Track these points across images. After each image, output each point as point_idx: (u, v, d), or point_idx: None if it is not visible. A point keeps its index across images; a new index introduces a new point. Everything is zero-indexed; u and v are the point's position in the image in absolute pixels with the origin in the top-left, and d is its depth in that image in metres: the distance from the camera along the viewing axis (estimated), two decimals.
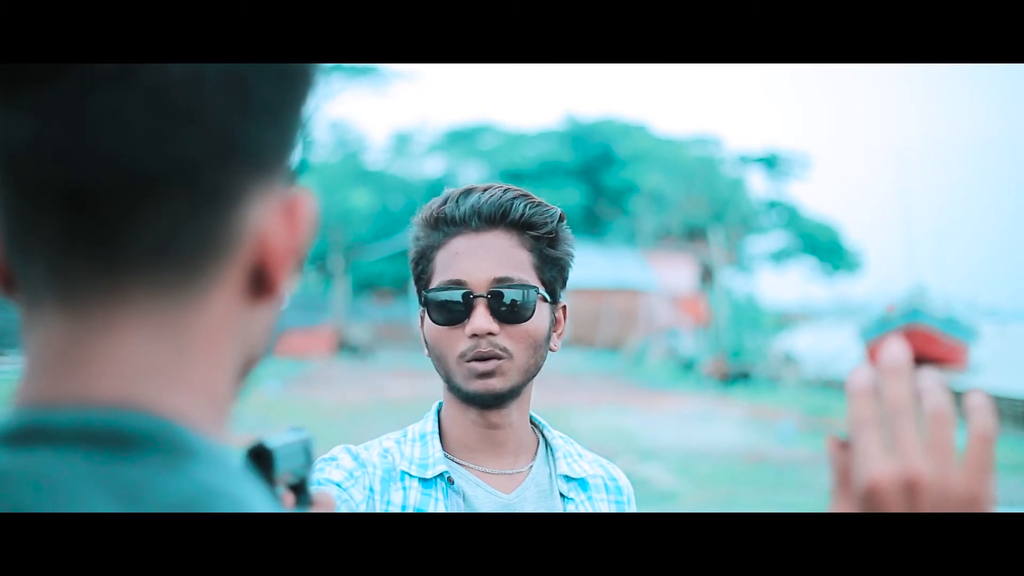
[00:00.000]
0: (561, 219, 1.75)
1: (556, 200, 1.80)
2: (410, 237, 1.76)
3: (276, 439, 0.78)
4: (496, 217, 1.69)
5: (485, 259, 1.68)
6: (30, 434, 0.59)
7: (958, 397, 1.01)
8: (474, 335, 1.65)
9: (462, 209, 1.70)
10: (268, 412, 15.11)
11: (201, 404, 0.63)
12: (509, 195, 1.71)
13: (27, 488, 0.57)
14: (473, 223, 1.69)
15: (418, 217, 1.75)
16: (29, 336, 0.62)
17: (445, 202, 1.72)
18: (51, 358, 0.61)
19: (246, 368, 0.68)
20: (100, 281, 0.61)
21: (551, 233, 1.72)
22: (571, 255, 1.77)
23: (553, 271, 1.73)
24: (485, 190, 1.72)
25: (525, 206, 1.70)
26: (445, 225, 1.71)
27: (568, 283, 1.77)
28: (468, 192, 1.73)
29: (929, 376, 0.73)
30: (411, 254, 1.75)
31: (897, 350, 0.74)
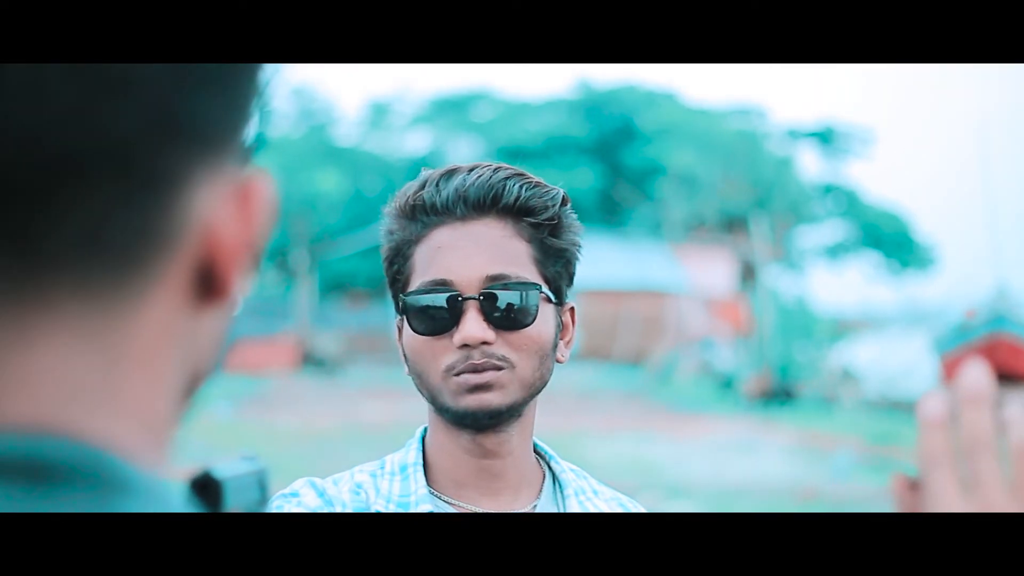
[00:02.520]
0: (564, 202, 1.73)
1: (566, 183, 1.79)
2: (382, 231, 1.75)
3: (225, 469, 0.78)
4: (486, 202, 1.68)
5: (475, 253, 1.66)
6: None
7: None
8: (464, 345, 1.63)
9: (444, 194, 1.68)
10: (217, 438, 15.13)
11: (136, 429, 0.63)
12: (500, 175, 1.70)
13: None
14: (458, 210, 1.68)
15: (391, 206, 1.74)
16: None
17: (423, 186, 1.71)
18: None
19: (191, 386, 0.68)
20: (14, 284, 0.61)
21: (553, 219, 1.70)
22: (578, 245, 1.76)
23: (557, 265, 1.72)
24: (471, 170, 1.71)
25: (521, 187, 1.69)
26: (424, 214, 1.69)
27: (581, 283, 1.77)
28: (450, 174, 1.71)
29: (1016, 404, 0.74)
30: (384, 251, 1.74)
31: (977, 374, 0.74)
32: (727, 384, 27.20)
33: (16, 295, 0.61)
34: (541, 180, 1.73)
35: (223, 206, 0.65)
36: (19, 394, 0.61)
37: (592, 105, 49.90)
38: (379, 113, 48.86)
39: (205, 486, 0.76)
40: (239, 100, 0.65)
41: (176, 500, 0.64)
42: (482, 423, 1.66)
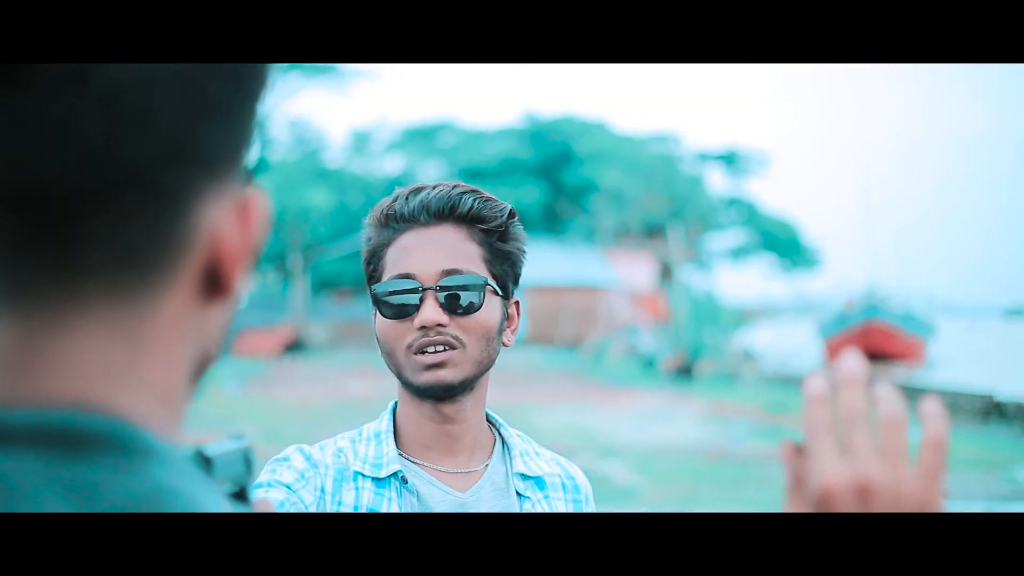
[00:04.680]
0: (512, 215, 1.76)
1: (516, 198, 1.83)
2: (362, 238, 1.78)
3: (215, 447, 0.79)
4: (445, 211, 1.71)
5: (434, 252, 1.70)
6: None
7: (915, 395, 1.03)
8: (423, 327, 1.66)
9: (411, 205, 1.72)
10: (226, 411, 15.08)
11: (155, 403, 0.63)
12: (458, 190, 1.73)
13: None
14: (422, 218, 1.71)
15: (369, 217, 1.77)
16: None
17: (395, 200, 1.75)
18: (5, 360, 0.61)
19: (200, 368, 0.68)
20: (54, 286, 0.61)
21: (501, 227, 1.74)
22: (523, 251, 1.79)
23: (504, 265, 1.75)
24: (434, 187, 1.75)
25: (474, 200, 1.72)
26: (395, 222, 1.73)
27: (527, 280, 1.79)
28: (417, 190, 1.75)
29: (884, 385, 0.75)
30: (363, 254, 1.77)
31: (853, 361, 0.75)
32: (649, 363, 27.29)
33: (56, 295, 0.61)
34: (492, 196, 1.77)
35: (227, 219, 0.65)
36: (60, 375, 0.61)
37: (537, 133, 49.90)
38: (361, 141, 48.59)
39: (197, 462, 0.76)
40: (241, 131, 0.65)
41: (188, 464, 0.64)
42: (439, 395, 1.69)
